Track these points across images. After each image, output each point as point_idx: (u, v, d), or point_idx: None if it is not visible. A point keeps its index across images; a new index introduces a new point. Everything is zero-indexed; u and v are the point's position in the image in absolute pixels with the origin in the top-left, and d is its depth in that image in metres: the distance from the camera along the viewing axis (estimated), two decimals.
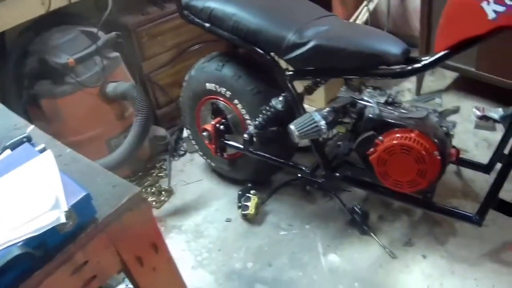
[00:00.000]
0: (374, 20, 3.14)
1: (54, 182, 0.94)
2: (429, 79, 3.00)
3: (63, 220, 0.85)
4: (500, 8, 1.39)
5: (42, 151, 1.07)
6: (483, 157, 2.08)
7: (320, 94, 2.50)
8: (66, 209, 0.87)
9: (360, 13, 2.91)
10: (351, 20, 2.91)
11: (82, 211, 0.90)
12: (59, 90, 2.20)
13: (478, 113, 2.66)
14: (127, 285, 1.70)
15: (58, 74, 2.18)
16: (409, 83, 2.97)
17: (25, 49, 2.26)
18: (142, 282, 1.12)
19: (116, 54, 2.41)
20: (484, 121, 2.64)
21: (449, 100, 2.82)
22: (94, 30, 2.28)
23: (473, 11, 1.44)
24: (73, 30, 2.31)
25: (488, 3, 1.40)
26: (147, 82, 2.67)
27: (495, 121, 2.63)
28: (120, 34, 2.37)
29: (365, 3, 2.90)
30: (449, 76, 3.00)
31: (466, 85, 2.87)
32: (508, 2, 1.36)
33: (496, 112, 2.64)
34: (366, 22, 2.91)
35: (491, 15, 1.41)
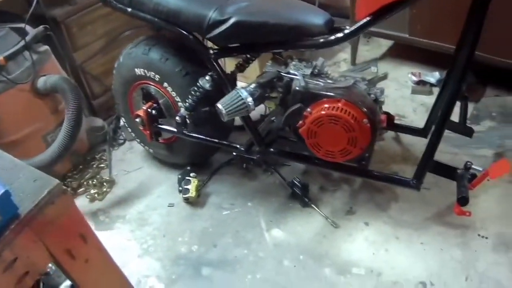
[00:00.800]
0: None
1: None
2: (364, 48, 3.02)
3: None
4: None
5: None
6: (422, 122, 2.10)
7: (254, 70, 2.49)
8: None
9: None
10: None
11: (3, 208, 0.91)
12: None
13: (414, 78, 2.69)
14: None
15: None
16: (345, 54, 2.99)
17: None
18: (76, 275, 1.14)
19: (45, 47, 2.34)
20: (421, 86, 2.68)
21: (385, 68, 2.85)
22: (22, 25, 2.21)
23: None
24: (2, 28, 2.24)
25: None
26: (80, 72, 2.60)
27: (432, 85, 2.68)
28: (48, 27, 2.30)
29: None
30: (384, 44, 3.03)
31: (401, 52, 2.91)
32: None
33: (433, 76, 2.68)
34: None
35: None
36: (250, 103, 1.73)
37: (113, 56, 2.62)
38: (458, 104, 2.08)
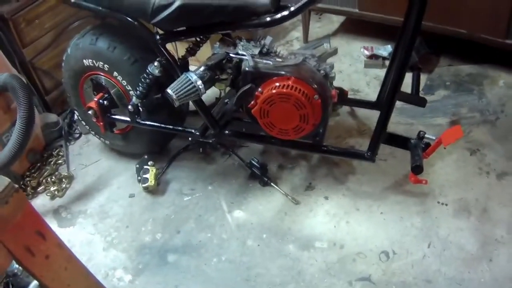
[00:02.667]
0: None
1: None
2: (316, 25, 3.04)
3: None
4: None
5: None
6: (376, 95, 2.13)
7: (206, 53, 2.46)
8: None
9: None
10: None
11: None
12: None
13: (367, 52, 2.72)
14: None
15: None
16: (297, 32, 3.00)
17: None
18: (38, 272, 1.13)
19: None
20: (373, 59, 2.71)
21: (337, 44, 2.87)
22: None
23: None
24: None
25: None
26: (31, 68, 2.54)
27: (384, 58, 2.71)
28: None
29: None
30: (336, 21, 3.05)
31: (353, 27, 2.93)
32: None
33: (385, 50, 2.71)
34: None
35: None
36: (200, 87, 1.73)
37: (63, 49, 2.55)
38: (411, 76, 2.13)
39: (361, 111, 2.37)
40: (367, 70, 2.67)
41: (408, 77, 1.90)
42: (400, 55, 1.70)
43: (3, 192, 0.98)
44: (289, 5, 1.68)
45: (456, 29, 2.41)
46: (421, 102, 2.14)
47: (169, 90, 1.72)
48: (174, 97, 1.71)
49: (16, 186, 1.03)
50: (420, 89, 2.21)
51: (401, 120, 2.32)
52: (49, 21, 2.56)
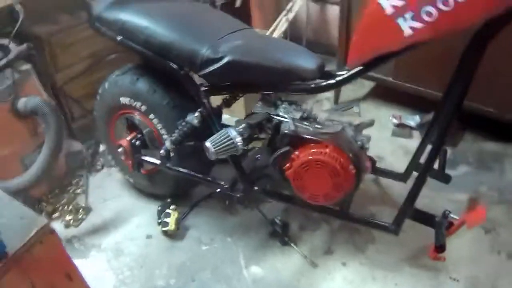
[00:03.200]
0: (293, 29, 3.17)
1: None
2: (347, 87, 3.06)
3: None
4: (417, 25, 1.36)
5: None
6: (400, 164, 2.14)
7: (239, 104, 2.49)
8: None
9: (279, 23, 2.92)
10: (270, 30, 2.91)
11: None
12: None
13: (395, 120, 2.74)
14: None
15: None
16: (328, 93, 3.02)
17: None
18: None
19: (27, 66, 2.29)
20: (401, 128, 2.72)
21: (367, 108, 2.90)
22: (5, 41, 2.17)
23: (388, 27, 1.40)
24: None
25: (405, 19, 1.37)
26: (61, 94, 2.55)
27: (412, 128, 2.72)
28: (31, 46, 2.26)
29: (284, 13, 2.91)
30: (367, 85, 3.08)
31: (383, 93, 2.96)
32: (426, 19, 1.33)
33: (413, 120, 2.73)
34: (285, 32, 2.93)
35: (407, 32, 1.38)
36: (238, 143, 1.73)
37: (96, 79, 2.60)
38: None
39: (384, 180, 2.36)
40: (394, 138, 2.68)
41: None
42: (436, 133, 1.69)
43: (39, 231, 1.00)
44: (334, 72, 1.70)
45: (484, 108, 2.43)
46: (446, 179, 2.13)
47: (208, 143, 1.72)
48: (212, 150, 1.71)
49: (53, 228, 1.03)
50: None
51: (422, 193, 2.30)
52: (85, 50, 2.58)
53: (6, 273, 0.94)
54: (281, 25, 2.90)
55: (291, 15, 2.92)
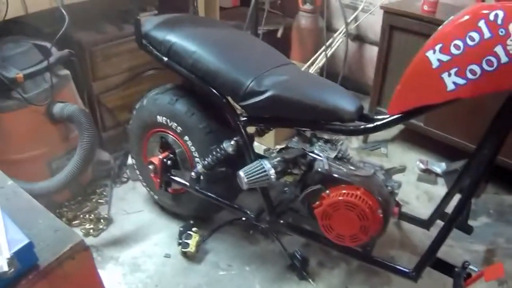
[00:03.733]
0: (330, 64, 3.20)
1: None
2: None
3: (5, 268, 0.84)
4: (461, 81, 1.40)
5: None
6: (423, 210, 2.13)
7: (270, 134, 2.51)
8: (8, 256, 0.85)
9: (317, 58, 2.95)
10: (308, 64, 2.94)
11: (24, 258, 0.89)
12: (4, 105, 2.09)
13: (422, 166, 2.74)
14: None
15: (5, 88, 2.07)
16: None
17: None
18: None
19: (66, 72, 2.33)
20: (427, 174, 2.72)
21: (394, 150, 2.90)
22: (47, 44, 2.19)
23: (432, 80, 1.45)
24: (25, 42, 2.22)
25: (449, 75, 1.41)
26: (96, 103, 2.59)
27: (437, 175, 2.72)
28: (73, 52, 2.30)
29: (323, 48, 2.94)
30: (397, 127, 3.08)
31: (412, 136, 2.96)
32: (470, 76, 1.38)
33: (439, 167, 2.73)
34: (322, 67, 2.96)
35: (450, 87, 1.42)
36: (272, 176, 1.74)
37: (131, 92, 2.64)
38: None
39: (406, 224, 2.36)
40: (419, 183, 2.68)
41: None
42: (468, 185, 1.68)
43: (72, 248, 0.99)
44: (371, 116, 1.71)
45: (508, 160, 2.44)
46: (468, 230, 2.13)
47: (241, 173, 1.74)
48: (245, 180, 1.73)
49: (87, 245, 1.03)
50: None
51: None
52: (125, 63, 2.62)
53: (34, 285, 0.93)
54: (319, 60, 2.93)
55: (330, 51, 2.95)
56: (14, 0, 2.08)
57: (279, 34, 3.12)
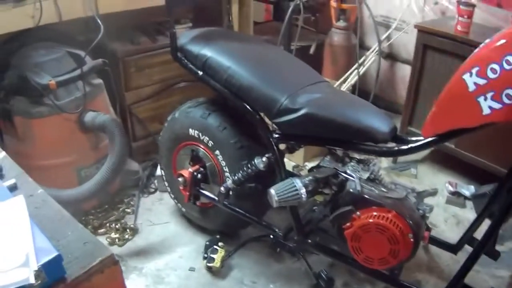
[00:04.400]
0: (362, 82, 3.18)
1: (25, 235, 0.91)
2: None
3: (32, 280, 0.82)
4: (496, 105, 1.39)
5: (12, 188, 1.06)
6: (451, 234, 2.09)
7: (299, 150, 2.49)
8: (36, 268, 0.84)
9: (349, 75, 2.94)
10: (340, 81, 2.93)
11: (51, 271, 0.87)
12: (35, 111, 2.12)
13: (451, 188, 2.69)
14: None
15: (37, 94, 2.09)
16: None
17: (6, 61, 2.17)
18: None
19: (99, 81, 2.36)
20: (456, 197, 2.68)
21: (424, 171, 2.86)
22: (81, 53, 2.22)
23: (468, 104, 1.44)
24: (59, 49, 2.24)
25: (485, 98, 1.40)
26: (127, 113, 2.61)
27: (466, 198, 2.67)
28: (107, 62, 2.32)
29: (355, 66, 2.93)
30: None
31: (441, 158, 2.92)
32: (506, 101, 1.36)
33: (468, 189, 2.68)
34: (354, 85, 2.94)
35: (486, 111, 1.41)
36: (303, 195, 1.72)
37: (163, 104, 2.66)
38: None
39: (434, 247, 2.32)
40: (447, 206, 2.63)
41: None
42: (499, 210, 1.65)
43: (102, 261, 0.97)
44: (405, 137, 1.69)
45: None
46: (495, 256, 2.08)
47: (272, 191, 1.72)
48: (276, 198, 1.71)
49: (116, 259, 1.02)
50: None
51: None
52: (158, 74, 2.65)
53: None
54: (351, 78, 2.92)
55: (362, 70, 2.94)
56: (48, 6, 2.11)
57: (311, 51, 3.12)
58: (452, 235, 2.10)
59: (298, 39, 3.05)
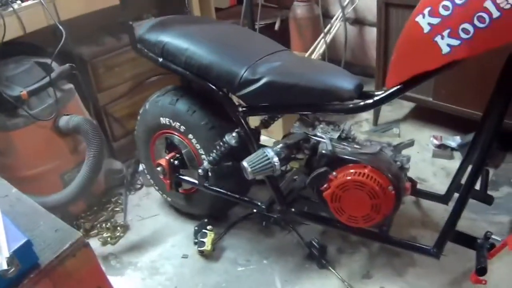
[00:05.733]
0: (331, 51, 3.17)
1: None
2: (387, 109, 3.03)
3: (4, 266, 0.86)
4: (455, 42, 1.35)
5: None
6: (442, 186, 2.08)
7: (278, 125, 2.49)
8: (8, 255, 0.87)
9: (317, 45, 2.93)
10: (308, 52, 2.92)
11: (24, 257, 0.91)
12: (11, 123, 2.12)
13: (436, 142, 2.68)
14: None
15: (11, 107, 2.10)
16: (367, 114, 2.99)
17: None
18: None
19: (70, 86, 2.36)
20: (442, 149, 2.67)
21: (406, 130, 2.85)
22: (48, 61, 2.22)
23: (426, 46, 1.41)
24: (27, 60, 2.25)
25: (442, 37, 1.37)
26: (103, 114, 2.61)
27: (453, 149, 2.66)
28: (74, 66, 2.32)
29: (322, 35, 2.92)
30: (407, 106, 3.04)
31: (423, 114, 2.91)
32: (463, 36, 1.33)
33: (454, 141, 2.67)
34: (323, 54, 2.93)
35: (445, 50, 1.37)
36: (276, 163, 1.72)
37: (137, 100, 2.65)
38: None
39: (425, 202, 2.31)
40: (434, 159, 2.62)
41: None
42: (477, 153, 1.65)
43: (72, 245, 0.99)
44: (372, 92, 1.68)
45: None
46: (488, 200, 2.07)
47: (245, 163, 1.72)
48: (249, 170, 1.71)
49: (87, 241, 1.04)
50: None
51: (464, 215, 2.22)
52: (128, 71, 2.64)
53: (36, 285, 0.94)
54: (319, 48, 2.91)
55: (329, 38, 2.93)
56: (11, 22, 2.11)
57: (276, 27, 3.11)
58: (443, 187, 2.08)
59: (261, 18, 3.04)
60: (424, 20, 1.40)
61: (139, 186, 2.65)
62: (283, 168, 2.02)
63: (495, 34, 1.30)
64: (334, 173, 1.72)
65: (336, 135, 1.80)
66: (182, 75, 1.90)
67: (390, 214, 1.75)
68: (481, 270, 1.70)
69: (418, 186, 2.17)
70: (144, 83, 2.71)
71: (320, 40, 2.95)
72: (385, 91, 1.60)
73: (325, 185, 1.74)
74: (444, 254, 2.04)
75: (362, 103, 1.64)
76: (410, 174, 2.16)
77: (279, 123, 2.50)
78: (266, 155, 1.72)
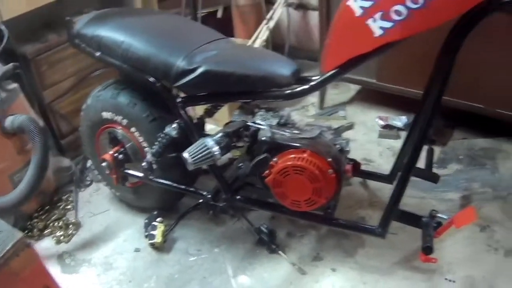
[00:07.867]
0: (276, 37, 3.19)
1: None
2: (333, 92, 3.06)
3: None
4: (388, 24, 1.36)
5: None
6: (388, 166, 2.11)
7: (223, 113, 2.50)
8: None
9: (260, 32, 2.94)
10: (252, 39, 2.92)
11: None
12: None
13: (382, 122, 2.74)
14: None
15: None
16: (313, 98, 3.02)
17: None
18: None
19: (14, 85, 2.32)
20: (388, 130, 2.72)
21: (353, 112, 2.89)
22: None
23: (358, 29, 1.42)
24: None
25: (374, 20, 1.38)
26: (49, 111, 2.57)
27: (399, 129, 2.72)
28: (18, 65, 2.28)
29: (264, 22, 2.92)
30: (353, 89, 3.08)
31: (369, 96, 2.95)
32: (396, 18, 1.34)
33: (400, 120, 2.73)
34: (267, 40, 2.94)
35: (378, 32, 1.39)
36: (216, 152, 1.73)
37: (82, 95, 2.61)
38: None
39: (372, 182, 2.36)
40: (381, 140, 2.68)
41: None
42: (417, 130, 1.69)
43: (14, 245, 1.00)
44: (309, 78, 1.70)
45: (472, 104, 2.43)
46: (434, 178, 2.12)
47: (185, 154, 1.73)
48: (190, 161, 1.72)
49: (28, 241, 1.04)
50: (433, 162, 2.19)
51: (413, 193, 2.31)
52: (71, 67, 2.60)
53: None
54: (262, 34, 2.91)
55: (272, 23, 2.94)
56: None
57: (219, 15, 3.10)
58: (390, 167, 2.13)
59: (203, 6, 3.03)
60: (356, 4, 1.41)
61: (88, 182, 2.62)
62: (229, 156, 2.05)
63: (429, 15, 1.32)
64: (274, 159, 1.74)
65: (275, 121, 1.82)
66: (119, 69, 1.89)
67: (333, 197, 1.78)
68: (427, 249, 1.75)
69: (365, 167, 2.21)
70: (88, 78, 2.68)
71: (262, 27, 2.95)
72: (322, 75, 1.62)
73: (266, 171, 1.77)
74: (394, 233, 2.10)
75: (299, 89, 1.66)
76: (357, 155, 2.22)
77: (224, 110, 2.50)
78: (206, 145, 1.73)
